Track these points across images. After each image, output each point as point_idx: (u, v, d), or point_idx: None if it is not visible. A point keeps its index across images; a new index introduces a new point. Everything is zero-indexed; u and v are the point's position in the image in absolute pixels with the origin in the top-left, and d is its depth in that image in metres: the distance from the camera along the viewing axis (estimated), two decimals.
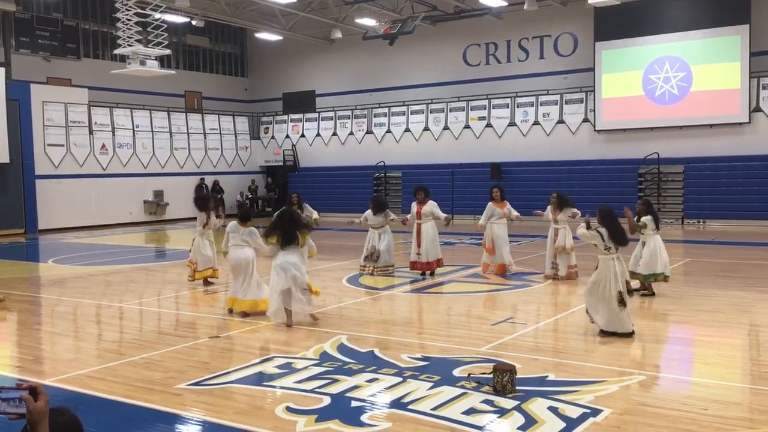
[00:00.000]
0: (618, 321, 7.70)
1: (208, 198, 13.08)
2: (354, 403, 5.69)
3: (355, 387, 6.09)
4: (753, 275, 12.13)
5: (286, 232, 8.71)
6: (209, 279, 12.04)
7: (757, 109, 21.42)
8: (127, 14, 18.88)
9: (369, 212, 12.54)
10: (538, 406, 5.49)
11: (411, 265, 12.54)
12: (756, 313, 9.08)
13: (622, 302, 7.65)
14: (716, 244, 17.08)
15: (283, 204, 15.99)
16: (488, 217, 12.34)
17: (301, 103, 31.53)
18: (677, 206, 22.46)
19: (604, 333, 7.75)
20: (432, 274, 12.41)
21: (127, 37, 18.96)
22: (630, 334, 7.70)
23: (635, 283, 9.84)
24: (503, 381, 5.79)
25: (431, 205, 12.37)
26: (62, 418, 2.15)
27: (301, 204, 13.10)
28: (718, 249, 16.13)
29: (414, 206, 12.46)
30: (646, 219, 9.98)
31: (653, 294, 10.08)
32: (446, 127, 26.67)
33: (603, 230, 7.90)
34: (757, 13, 21.38)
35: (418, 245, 12.28)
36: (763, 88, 21.32)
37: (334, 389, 6.03)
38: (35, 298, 11.59)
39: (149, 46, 19.37)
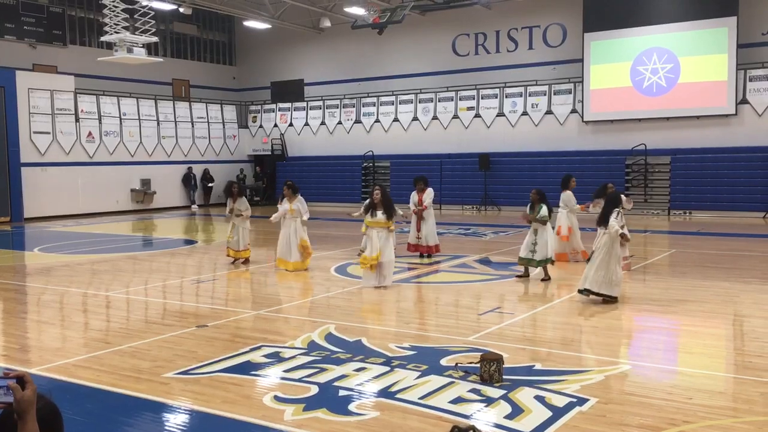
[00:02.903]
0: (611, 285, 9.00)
1: (230, 184, 13.89)
2: (342, 392, 5.70)
3: (343, 376, 6.11)
4: (738, 266, 12.23)
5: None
6: (236, 259, 12.96)
7: (744, 101, 21.54)
8: (114, 1, 18.70)
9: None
10: (524, 396, 5.53)
11: (408, 247, 13.36)
12: (740, 304, 9.17)
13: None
14: (702, 235, 17.20)
15: (272, 193, 16.29)
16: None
17: (290, 92, 31.40)
18: (664, 197, 22.61)
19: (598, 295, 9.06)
20: (430, 256, 13.18)
21: (114, 24, 18.79)
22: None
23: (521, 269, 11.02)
24: (490, 370, 5.82)
25: (429, 194, 13.16)
26: (38, 404, 2.14)
27: (294, 189, 13.30)
28: (704, 240, 16.25)
29: (414, 195, 13.19)
30: (545, 211, 10.51)
31: (528, 276, 10.88)
32: (435, 117, 26.65)
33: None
34: (744, 5, 21.46)
35: (418, 230, 13.09)
36: (750, 80, 21.43)
37: (322, 378, 6.05)
38: (21, 286, 11.52)
39: (136, 33, 19.22)
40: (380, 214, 10.27)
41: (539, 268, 10.82)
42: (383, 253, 10.22)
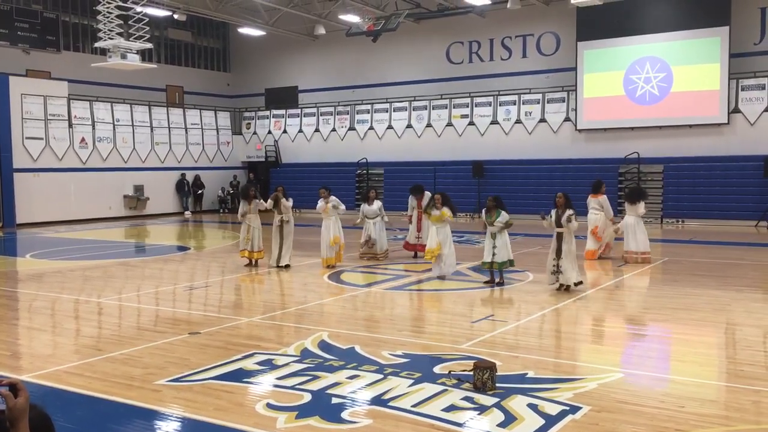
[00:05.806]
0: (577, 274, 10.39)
1: (248, 187, 14.35)
2: (334, 400, 5.69)
3: (336, 384, 6.09)
4: (729, 274, 12.27)
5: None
6: (251, 260, 13.36)
7: (736, 111, 21.65)
8: (108, 7, 18.68)
9: (364, 205, 14.40)
10: (517, 403, 5.52)
11: (406, 245, 14.45)
12: (732, 312, 9.19)
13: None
14: (694, 243, 17.26)
15: (265, 199, 16.54)
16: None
17: (284, 98, 31.41)
18: (656, 205, 22.64)
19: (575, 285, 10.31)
20: None
21: (108, 30, 18.75)
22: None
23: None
24: (483, 378, 5.82)
25: (427, 198, 13.91)
26: (31, 414, 2.12)
27: (285, 196, 13.55)
28: (696, 248, 16.30)
29: (413, 200, 14.34)
30: (504, 216, 10.95)
31: (494, 280, 11.11)
32: (429, 125, 26.70)
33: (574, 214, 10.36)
34: (736, 15, 21.61)
35: (419, 230, 14.03)
36: (742, 89, 21.55)
37: (315, 386, 6.03)
38: (12, 292, 11.46)
39: (130, 39, 19.18)
40: (435, 211, 11.58)
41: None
42: (443, 245, 11.51)
